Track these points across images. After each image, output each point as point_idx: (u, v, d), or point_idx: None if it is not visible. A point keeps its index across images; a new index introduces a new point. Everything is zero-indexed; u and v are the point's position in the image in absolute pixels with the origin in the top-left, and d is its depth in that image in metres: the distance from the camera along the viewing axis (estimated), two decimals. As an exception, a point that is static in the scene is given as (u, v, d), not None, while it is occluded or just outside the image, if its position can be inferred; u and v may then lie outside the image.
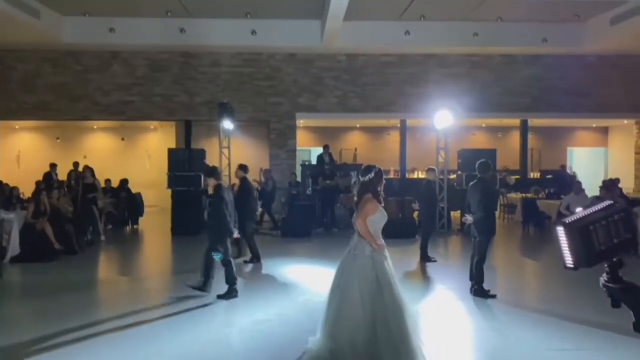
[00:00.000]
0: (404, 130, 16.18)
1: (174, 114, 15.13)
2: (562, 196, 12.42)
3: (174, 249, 11.14)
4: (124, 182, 14.00)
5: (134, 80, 14.85)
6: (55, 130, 17.77)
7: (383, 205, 4.54)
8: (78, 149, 17.60)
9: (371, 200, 4.45)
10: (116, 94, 14.84)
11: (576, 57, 14.96)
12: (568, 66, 14.95)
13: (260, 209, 11.20)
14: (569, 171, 17.10)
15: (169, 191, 12.50)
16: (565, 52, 14.79)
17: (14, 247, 8.85)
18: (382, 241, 4.40)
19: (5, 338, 5.17)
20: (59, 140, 17.94)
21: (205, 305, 6.23)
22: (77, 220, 10.17)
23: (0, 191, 11.94)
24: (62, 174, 14.19)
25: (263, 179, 13.24)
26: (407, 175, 16.15)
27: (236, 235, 6.90)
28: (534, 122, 16.87)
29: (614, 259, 1.86)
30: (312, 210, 12.71)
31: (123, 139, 18.46)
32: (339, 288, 4.35)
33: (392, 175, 16.45)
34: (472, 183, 6.82)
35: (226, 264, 6.57)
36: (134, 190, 14.02)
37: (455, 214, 13.49)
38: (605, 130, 19.30)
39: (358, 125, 19.01)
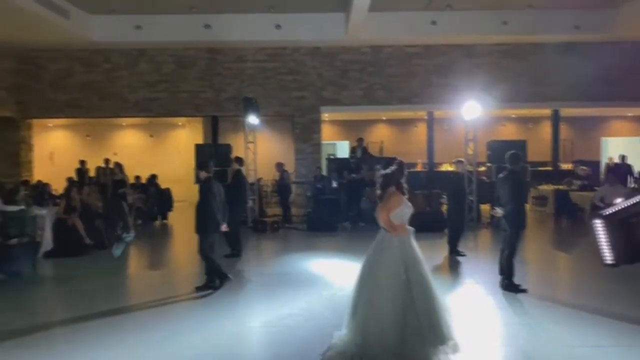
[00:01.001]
0: (431, 121, 15.97)
1: (200, 109, 15.28)
2: (596, 188, 12.04)
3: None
4: (153, 178, 14.22)
5: (160, 77, 15.05)
6: (85, 128, 18.18)
7: (407, 196, 4.50)
8: (108, 145, 17.95)
9: (395, 194, 4.41)
10: (143, 90, 15.07)
11: (609, 44, 14.44)
12: (601, 53, 14.39)
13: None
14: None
15: (197, 186, 12.57)
16: (598, 39, 14.32)
17: (47, 241, 9.13)
18: (408, 228, 4.38)
19: (38, 319, 5.68)
20: (89, 138, 18.33)
21: (232, 299, 6.27)
22: (107, 216, 10.37)
23: (34, 188, 12.29)
24: (93, 170, 14.49)
25: (277, 173, 13.47)
26: (434, 168, 15.94)
27: (224, 228, 6.85)
28: (566, 111, 16.45)
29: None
30: (338, 204, 12.65)
31: (151, 136, 18.76)
32: (367, 282, 4.30)
33: (419, 168, 16.26)
34: (501, 175, 6.65)
35: (205, 258, 6.58)
36: (163, 186, 14.22)
37: (485, 207, 13.22)
38: (640, 119, 18.71)
39: (384, 118, 18.83)
